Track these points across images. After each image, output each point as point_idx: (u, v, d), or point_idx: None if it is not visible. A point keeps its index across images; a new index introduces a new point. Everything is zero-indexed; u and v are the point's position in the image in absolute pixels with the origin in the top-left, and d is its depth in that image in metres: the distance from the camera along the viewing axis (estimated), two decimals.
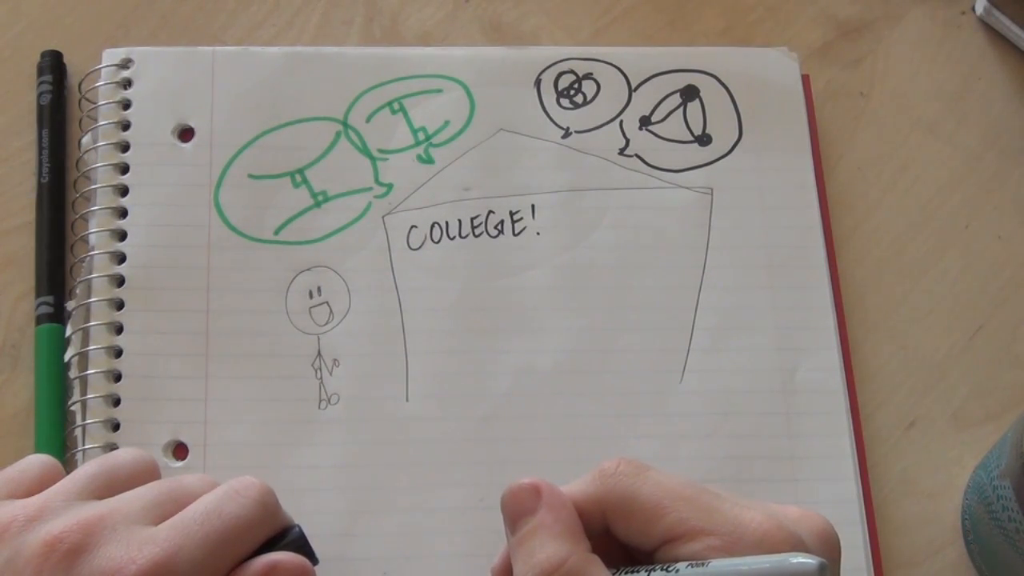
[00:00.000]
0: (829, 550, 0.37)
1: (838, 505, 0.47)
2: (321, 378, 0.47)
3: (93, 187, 0.48)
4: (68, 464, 0.45)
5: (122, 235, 0.48)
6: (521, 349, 0.48)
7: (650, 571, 0.35)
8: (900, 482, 0.49)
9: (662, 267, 0.50)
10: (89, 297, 0.47)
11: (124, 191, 0.48)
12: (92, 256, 0.47)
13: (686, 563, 0.35)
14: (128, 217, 0.48)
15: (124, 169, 0.49)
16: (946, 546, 0.48)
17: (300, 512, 0.45)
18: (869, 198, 0.53)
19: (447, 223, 0.49)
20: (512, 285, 0.49)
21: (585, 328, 0.49)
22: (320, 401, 0.47)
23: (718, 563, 0.34)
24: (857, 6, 0.57)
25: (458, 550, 0.45)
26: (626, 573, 0.36)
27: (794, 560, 0.33)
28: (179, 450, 0.46)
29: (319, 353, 0.47)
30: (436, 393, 0.47)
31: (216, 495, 0.39)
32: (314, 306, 0.48)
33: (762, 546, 0.34)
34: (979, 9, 0.56)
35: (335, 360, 0.47)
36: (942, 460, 0.49)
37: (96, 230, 0.48)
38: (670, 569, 0.35)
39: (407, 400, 0.47)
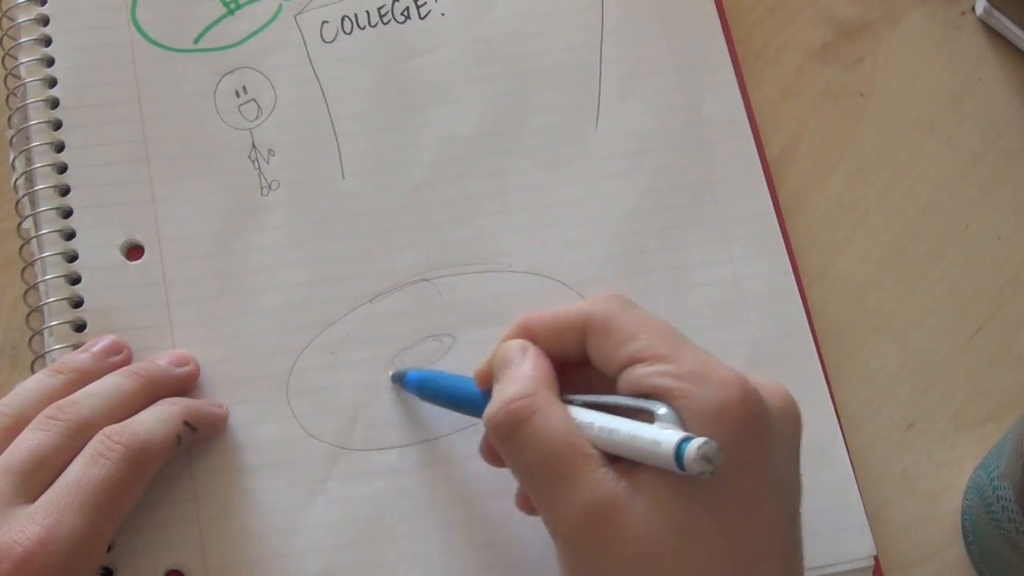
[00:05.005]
0: (789, 422, 0.38)
1: (754, 220, 0.51)
2: (259, 168, 0.50)
3: (16, 23, 0.50)
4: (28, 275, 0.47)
5: (50, 61, 0.50)
6: (442, 120, 0.51)
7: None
8: (900, 482, 0.49)
9: (563, 29, 0.53)
10: (26, 122, 0.49)
11: (45, 21, 0.51)
12: (25, 84, 0.49)
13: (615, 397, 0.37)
14: (53, 45, 0.50)
15: (42, 1, 0.51)
16: (946, 546, 0.48)
17: (254, 290, 0.48)
18: (869, 199, 0.53)
19: (356, 15, 0.52)
20: (425, 64, 0.52)
21: (499, 94, 0.52)
22: (262, 188, 0.49)
23: (620, 423, 0.36)
24: (857, 6, 0.56)
25: (409, 307, 0.48)
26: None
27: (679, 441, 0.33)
28: (133, 252, 0.48)
29: (254, 145, 0.50)
30: (369, 169, 0.50)
31: (82, 462, 0.40)
32: (242, 104, 0.50)
33: (720, 390, 0.35)
34: (979, 9, 0.56)
35: (270, 150, 0.50)
36: (942, 460, 0.49)
37: (26, 60, 0.50)
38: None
39: (343, 178, 0.50)
